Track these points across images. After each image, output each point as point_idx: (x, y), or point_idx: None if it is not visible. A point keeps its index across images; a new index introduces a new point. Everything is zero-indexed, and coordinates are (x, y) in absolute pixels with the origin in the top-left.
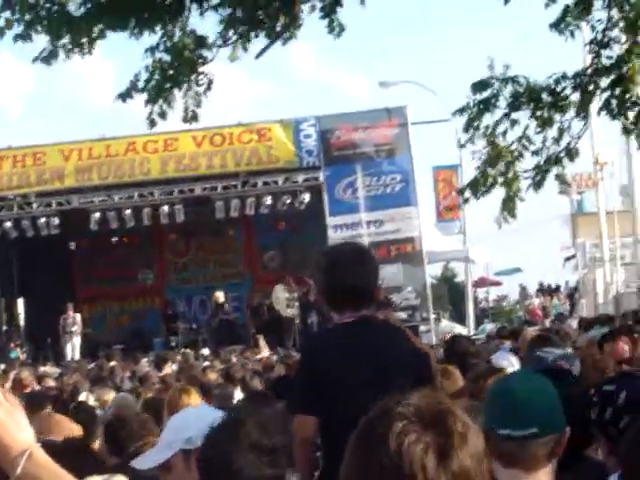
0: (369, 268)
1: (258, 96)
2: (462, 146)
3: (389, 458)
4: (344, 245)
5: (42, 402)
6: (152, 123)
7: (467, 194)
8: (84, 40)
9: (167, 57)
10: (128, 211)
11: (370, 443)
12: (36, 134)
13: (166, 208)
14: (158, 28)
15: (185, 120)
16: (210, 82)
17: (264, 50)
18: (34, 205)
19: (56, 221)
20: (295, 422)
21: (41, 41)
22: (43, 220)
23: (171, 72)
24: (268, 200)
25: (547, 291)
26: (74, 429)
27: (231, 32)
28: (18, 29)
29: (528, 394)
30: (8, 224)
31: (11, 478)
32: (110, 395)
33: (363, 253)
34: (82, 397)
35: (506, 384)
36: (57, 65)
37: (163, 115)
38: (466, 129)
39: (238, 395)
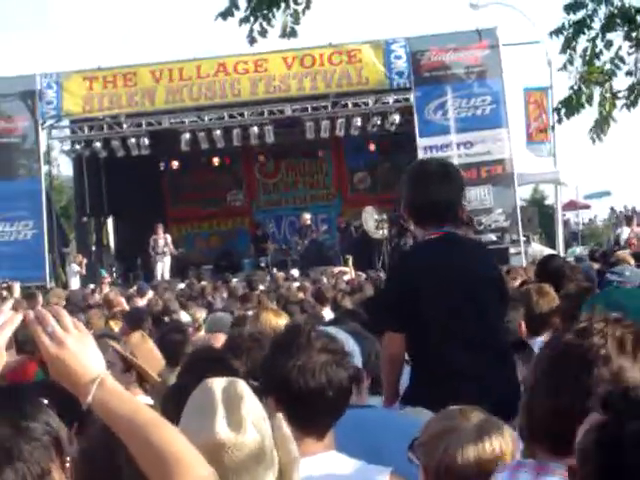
0: (454, 184)
1: (347, 16)
2: (561, 69)
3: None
4: (430, 161)
5: (139, 320)
6: (253, 41)
7: (562, 114)
8: None
9: None
10: (218, 132)
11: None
12: (126, 56)
13: (256, 129)
14: None
15: (283, 36)
16: (309, 1)
17: None
18: (124, 125)
19: (146, 141)
20: (384, 339)
21: None
22: (133, 140)
23: None
24: (358, 121)
25: (631, 216)
26: (156, 357)
27: None
28: None
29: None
30: (98, 144)
31: (82, 405)
32: (202, 313)
33: (449, 169)
34: (178, 316)
35: (613, 298)
36: None
37: (263, 33)
38: (564, 50)
39: (328, 315)
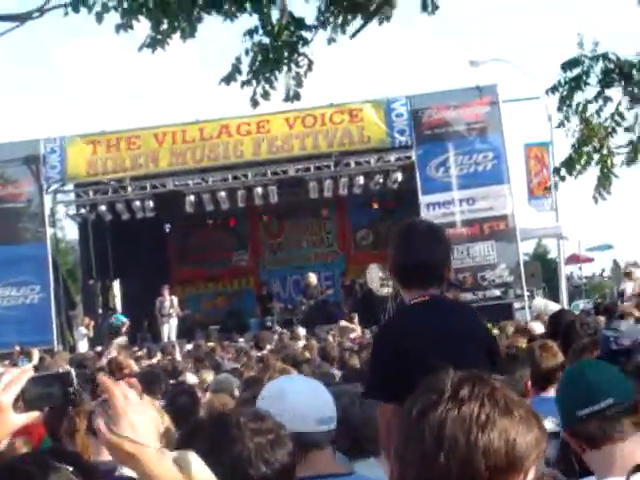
0: (441, 246)
1: (348, 75)
2: (558, 126)
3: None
4: (416, 222)
5: (156, 381)
6: (255, 103)
7: (563, 172)
8: (184, 25)
9: (266, 39)
10: (222, 193)
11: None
12: (127, 120)
13: (260, 190)
14: (253, 10)
15: (287, 99)
16: (310, 63)
17: (359, 30)
18: (129, 189)
19: (151, 204)
20: (378, 409)
21: (138, 27)
22: (138, 203)
23: (271, 55)
24: (361, 180)
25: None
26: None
27: (328, 14)
28: (115, 16)
29: (596, 372)
30: (103, 208)
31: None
32: (210, 375)
33: (435, 230)
34: (184, 377)
35: (572, 370)
36: (159, 51)
37: (266, 95)
38: (559, 108)
39: (336, 374)
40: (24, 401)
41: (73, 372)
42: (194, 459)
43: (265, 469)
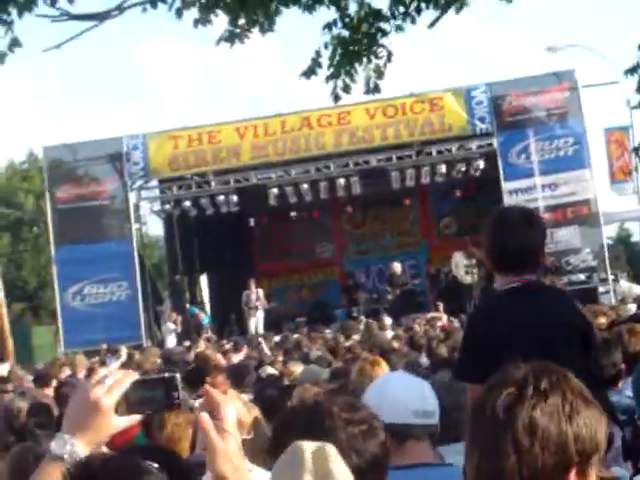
0: (536, 232)
1: (425, 63)
2: (637, 107)
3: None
4: (513, 207)
5: (245, 375)
6: (336, 98)
7: None
8: (262, 19)
9: (345, 32)
10: (305, 185)
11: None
12: (207, 116)
13: (342, 181)
14: (330, 2)
15: (367, 92)
16: (390, 54)
17: (437, 19)
18: (212, 183)
19: (235, 198)
20: (468, 391)
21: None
22: (222, 198)
23: (351, 47)
24: (443, 168)
25: None
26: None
27: (401, 4)
28: (193, 11)
29: None
30: (187, 203)
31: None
32: (298, 367)
33: (531, 216)
34: (271, 370)
35: None
36: (237, 45)
37: (347, 89)
38: (639, 89)
39: (423, 362)
40: (127, 404)
41: (178, 376)
42: (333, 453)
43: (357, 459)
